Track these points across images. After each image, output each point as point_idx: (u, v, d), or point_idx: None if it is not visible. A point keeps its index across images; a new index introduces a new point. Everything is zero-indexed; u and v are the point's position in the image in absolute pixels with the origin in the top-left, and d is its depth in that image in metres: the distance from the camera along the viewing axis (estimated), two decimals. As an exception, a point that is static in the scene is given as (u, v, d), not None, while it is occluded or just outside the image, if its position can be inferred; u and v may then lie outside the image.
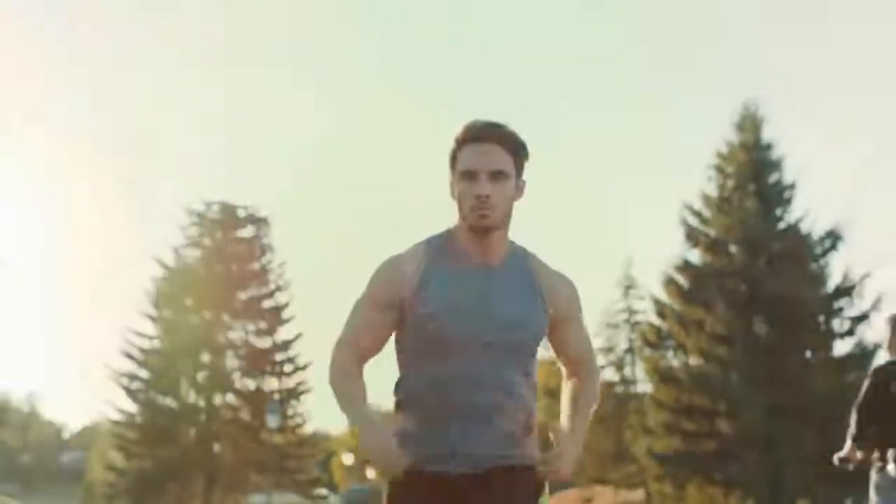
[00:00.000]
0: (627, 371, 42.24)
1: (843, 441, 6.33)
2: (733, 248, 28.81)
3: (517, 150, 2.81)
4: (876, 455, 6.13)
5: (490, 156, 2.75)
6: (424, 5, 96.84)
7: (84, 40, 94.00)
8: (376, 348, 2.89)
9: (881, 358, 8.82)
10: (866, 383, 6.20)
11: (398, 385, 2.89)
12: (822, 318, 28.06)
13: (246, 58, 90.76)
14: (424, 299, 2.78)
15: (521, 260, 2.88)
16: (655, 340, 31.26)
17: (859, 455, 6.20)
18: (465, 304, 2.78)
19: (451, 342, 2.77)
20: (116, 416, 36.25)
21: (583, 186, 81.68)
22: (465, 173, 2.76)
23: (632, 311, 44.43)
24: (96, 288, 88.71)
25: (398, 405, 2.89)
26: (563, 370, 3.04)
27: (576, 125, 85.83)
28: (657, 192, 69.66)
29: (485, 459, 2.77)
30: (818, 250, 28.87)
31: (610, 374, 42.72)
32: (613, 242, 77.53)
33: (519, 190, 2.84)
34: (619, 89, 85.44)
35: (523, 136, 2.80)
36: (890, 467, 6.06)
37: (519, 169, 2.82)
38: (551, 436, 2.79)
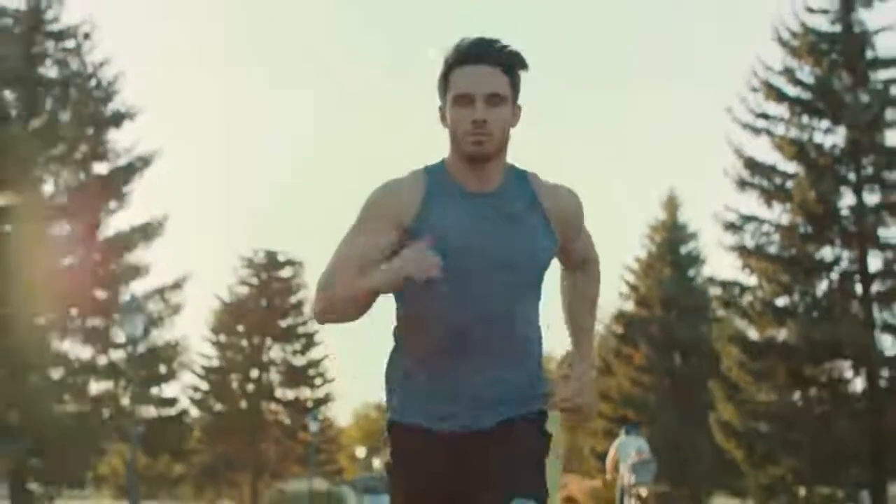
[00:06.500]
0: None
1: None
2: (655, 303, 35.55)
3: (515, 70, 2.54)
4: None
5: (486, 78, 2.48)
6: (424, 5, 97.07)
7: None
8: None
9: None
10: None
11: (398, 331, 2.62)
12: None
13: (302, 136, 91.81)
14: (429, 226, 2.49)
15: (520, 182, 2.59)
16: (601, 367, 37.00)
17: None
18: (471, 228, 2.50)
19: (461, 270, 2.46)
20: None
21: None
22: (458, 97, 2.49)
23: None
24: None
25: (399, 350, 2.61)
26: (563, 267, 2.75)
27: (579, 128, 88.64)
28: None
29: (492, 410, 2.51)
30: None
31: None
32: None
33: (515, 115, 2.56)
34: (620, 97, 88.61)
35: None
36: None
37: (515, 91, 2.55)
38: (561, 366, 2.51)
